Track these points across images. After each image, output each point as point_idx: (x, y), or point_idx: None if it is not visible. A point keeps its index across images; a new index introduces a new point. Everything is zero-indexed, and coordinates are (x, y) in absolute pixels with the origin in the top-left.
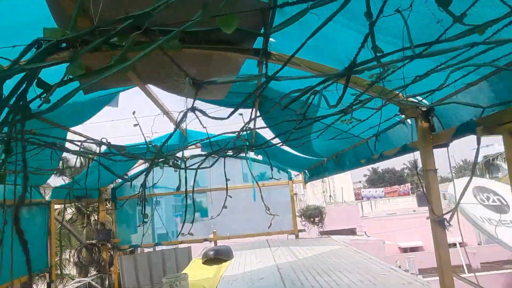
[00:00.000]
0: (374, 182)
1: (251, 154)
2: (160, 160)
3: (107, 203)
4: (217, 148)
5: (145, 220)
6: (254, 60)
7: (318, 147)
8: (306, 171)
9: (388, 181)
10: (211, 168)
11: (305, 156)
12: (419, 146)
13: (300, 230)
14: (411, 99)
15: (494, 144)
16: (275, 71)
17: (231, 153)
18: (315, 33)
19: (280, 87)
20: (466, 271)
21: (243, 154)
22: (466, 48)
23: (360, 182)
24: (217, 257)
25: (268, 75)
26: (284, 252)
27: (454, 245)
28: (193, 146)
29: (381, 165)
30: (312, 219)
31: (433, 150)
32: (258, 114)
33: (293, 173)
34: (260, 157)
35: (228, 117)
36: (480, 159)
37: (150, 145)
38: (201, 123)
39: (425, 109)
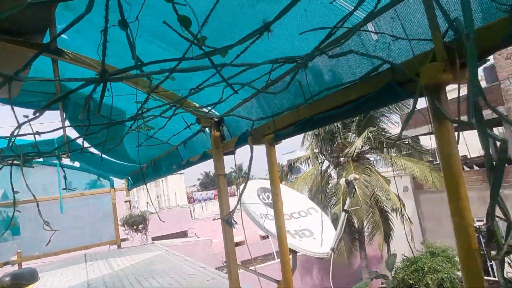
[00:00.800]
0: (206, 185)
1: (67, 161)
2: None
3: None
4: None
5: None
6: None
7: (135, 153)
8: (130, 177)
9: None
10: (27, 178)
11: (124, 163)
12: (213, 153)
13: (123, 239)
14: (204, 109)
15: (296, 151)
16: (18, 70)
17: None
18: (64, 31)
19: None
20: (276, 257)
21: (55, 161)
22: (219, 68)
23: (194, 185)
24: (16, 282)
25: (10, 75)
26: (101, 265)
27: (267, 237)
28: None
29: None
30: (135, 227)
31: (225, 156)
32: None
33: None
34: (77, 164)
35: None
36: (284, 162)
37: None
38: None
39: (216, 119)
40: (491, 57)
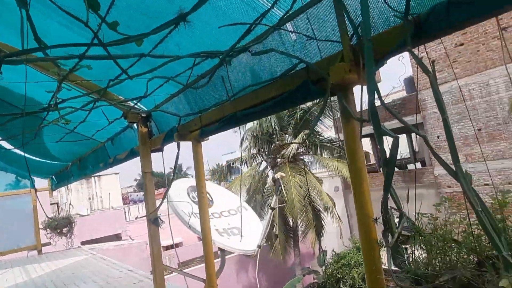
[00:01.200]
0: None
1: None
2: None
3: None
4: None
5: None
6: None
7: (56, 149)
8: (53, 177)
9: (156, 185)
10: None
11: (46, 160)
12: (140, 150)
13: (45, 244)
14: (129, 103)
15: (235, 151)
16: None
17: None
18: None
19: None
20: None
21: None
22: (136, 58)
23: (131, 186)
24: None
25: None
26: (16, 273)
27: None
28: None
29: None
30: (59, 230)
31: (152, 153)
32: None
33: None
34: None
35: None
36: (224, 163)
37: None
38: None
39: (144, 115)
40: (410, 70)
